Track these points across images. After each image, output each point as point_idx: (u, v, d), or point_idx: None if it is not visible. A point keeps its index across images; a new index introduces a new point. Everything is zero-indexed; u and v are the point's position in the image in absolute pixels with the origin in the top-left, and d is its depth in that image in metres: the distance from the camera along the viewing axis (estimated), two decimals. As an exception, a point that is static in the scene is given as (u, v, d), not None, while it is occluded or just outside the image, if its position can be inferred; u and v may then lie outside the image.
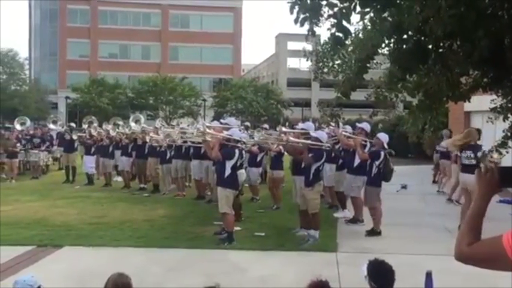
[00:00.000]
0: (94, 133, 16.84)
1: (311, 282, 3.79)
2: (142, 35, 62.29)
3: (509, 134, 5.83)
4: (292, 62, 66.83)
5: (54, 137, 21.19)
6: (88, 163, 16.86)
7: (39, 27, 66.70)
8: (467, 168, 9.14)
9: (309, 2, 3.81)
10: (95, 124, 17.88)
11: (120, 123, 17.68)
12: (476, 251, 1.87)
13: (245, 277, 7.05)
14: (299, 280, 6.47)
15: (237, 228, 9.23)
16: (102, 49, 62.87)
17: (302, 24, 3.86)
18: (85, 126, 18.07)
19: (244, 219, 10.41)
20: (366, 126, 10.93)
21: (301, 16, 3.80)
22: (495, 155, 7.67)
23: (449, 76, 4.93)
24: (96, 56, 62.34)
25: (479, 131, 10.22)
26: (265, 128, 15.76)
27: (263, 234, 9.34)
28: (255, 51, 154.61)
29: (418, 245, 8.63)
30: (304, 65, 54.46)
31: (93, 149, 16.82)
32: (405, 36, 4.79)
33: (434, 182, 16.09)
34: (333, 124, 13.46)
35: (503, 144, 5.92)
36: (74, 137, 17.59)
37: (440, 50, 4.84)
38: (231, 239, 8.64)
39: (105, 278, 3.81)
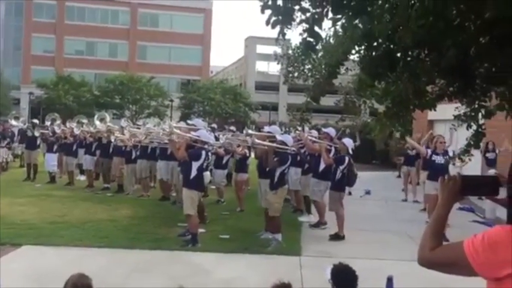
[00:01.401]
0: (58, 131, 16.54)
1: (274, 285, 3.81)
2: (110, 33, 61.44)
3: (472, 142, 5.98)
4: (261, 66, 67.08)
5: (16, 133, 20.71)
6: (50, 161, 16.53)
7: (3, 21, 65.07)
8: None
9: (281, 4, 3.82)
10: (59, 121, 17.56)
11: (85, 121, 17.44)
12: (438, 256, 1.93)
13: (209, 279, 7.02)
14: (263, 283, 6.48)
15: (201, 230, 9.19)
16: (68, 45, 61.70)
17: (273, 27, 3.87)
18: (48, 123, 17.72)
19: (209, 221, 10.38)
20: (331, 131, 11.07)
21: (273, 18, 3.81)
22: (458, 163, 7.85)
23: (417, 84, 5.03)
24: (62, 52, 61.15)
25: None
26: (232, 131, 15.79)
27: (228, 236, 9.32)
28: (224, 53, 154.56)
29: (380, 250, 8.76)
30: (272, 68, 54.88)
31: (55, 147, 16.52)
32: (375, 43, 4.85)
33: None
34: (299, 128, 13.57)
35: (465, 152, 6.08)
36: (36, 134, 17.22)
37: (409, 59, 4.93)
38: (195, 241, 8.60)
39: (66, 278, 3.73)
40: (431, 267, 1.98)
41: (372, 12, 4.30)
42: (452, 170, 9.84)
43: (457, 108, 6.08)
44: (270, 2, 3.77)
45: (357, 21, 4.69)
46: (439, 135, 10.73)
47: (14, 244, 8.33)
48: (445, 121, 14.64)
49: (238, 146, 12.11)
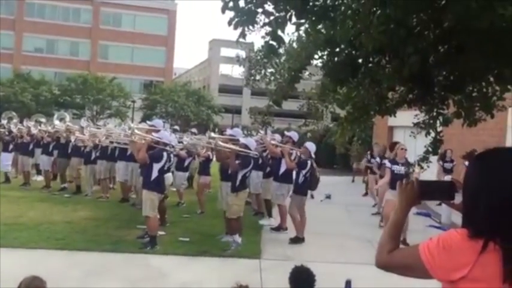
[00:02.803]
0: (14, 129, 16.12)
1: (232, 289, 3.80)
2: (72, 31, 60.22)
3: (430, 149, 6.11)
4: (225, 69, 67.02)
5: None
6: (4, 160, 16.09)
7: (-41, 15, 63.06)
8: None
9: (244, 5, 3.82)
10: (15, 120, 17.09)
11: (43, 120, 17.04)
12: (395, 259, 1.96)
13: (167, 283, 6.94)
14: (222, 286, 6.46)
15: (161, 232, 9.10)
16: (27, 42, 60.15)
17: (236, 27, 3.86)
18: (4, 121, 17.23)
19: (168, 223, 10.28)
20: (294, 135, 11.13)
21: (236, 19, 3.80)
22: (416, 169, 8.00)
23: (378, 90, 5.11)
24: (20, 49, 59.61)
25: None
26: (194, 133, 15.70)
27: (187, 239, 9.25)
28: (187, 55, 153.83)
29: (339, 254, 8.85)
30: (236, 71, 54.86)
31: (11, 146, 16.09)
32: (338, 49, 4.91)
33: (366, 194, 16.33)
34: (261, 132, 13.61)
35: (424, 158, 6.20)
36: (-9, 132, 16.72)
37: (370, 65, 5.00)
38: (154, 243, 8.49)
39: (19, 281, 3.62)
40: (389, 269, 2.01)
41: (335, 18, 4.34)
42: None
43: (416, 115, 6.20)
44: (231, 3, 3.76)
45: (320, 26, 4.73)
46: (400, 143, 10.83)
47: (-35, 246, 8.05)
48: (405, 127, 14.93)
49: (202, 148, 12.04)
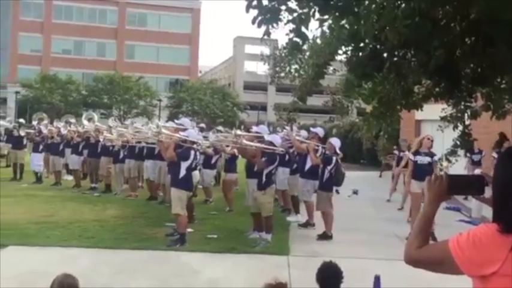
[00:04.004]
0: (44, 130, 16.43)
1: (268, 285, 3.79)
2: (98, 32, 61.06)
3: (458, 142, 6.02)
4: (249, 66, 67.03)
5: (2, 133, 20.50)
6: (35, 161, 16.42)
7: (-11, 19, 64.47)
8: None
9: (267, 4, 3.82)
10: (46, 121, 17.45)
11: (72, 120, 17.35)
12: (424, 255, 1.94)
13: (196, 279, 7.00)
14: (250, 282, 6.49)
15: (189, 230, 9.17)
16: (55, 45, 61.22)
17: (259, 26, 3.86)
18: (35, 122, 17.59)
19: (197, 221, 10.35)
20: (319, 131, 11.09)
21: (259, 18, 3.80)
22: (444, 163, 7.90)
23: (403, 85, 5.05)
24: (49, 51, 60.67)
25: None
26: (220, 131, 15.76)
27: (215, 236, 9.30)
28: (212, 53, 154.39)
29: (367, 250, 8.79)
30: (261, 68, 54.85)
31: (41, 147, 16.41)
32: (362, 44, 4.87)
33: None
34: (287, 128, 13.58)
35: (452, 152, 6.12)
36: (22, 133, 17.08)
37: (395, 59, 4.95)
38: (183, 240, 8.57)
39: (51, 278, 3.70)
40: (418, 265, 1.99)
41: (359, 13, 4.30)
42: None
43: (443, 109, 6.13)
44: (255, 2, 3.77)
45: (343, 21, 4.70)
46: (427, 134, 10.68)
47: (-1, 244, 8.26)
48: (432, 121, 14.73)
49: (228, 145, 12.09)
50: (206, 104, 51.38)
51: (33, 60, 58.50)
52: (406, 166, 13.56)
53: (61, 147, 15.94)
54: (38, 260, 7.53)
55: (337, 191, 12.80)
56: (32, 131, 17.18)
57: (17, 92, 48.67)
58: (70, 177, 16.38)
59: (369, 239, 9.68)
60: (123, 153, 13.87)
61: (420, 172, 9.25)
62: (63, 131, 15.94)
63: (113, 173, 14.42)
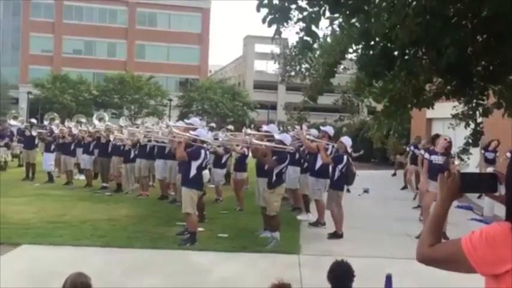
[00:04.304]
0: (56, 130, 16.54)
1: (273, 285, 3.81)
2: (109, 32, 61.36)
3: (470, 140, 5.99)
4: (259, 65, 67.06)
5: (14, 133, 20.69)
6: (47, 160, 16.53)
7: (1, 20, 64.94)
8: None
9: (278, 3, 3.82)
10: (57, 121, 17.57)
11: (83, 120, 17.45)
12: (436, 253, 1.94)
13: (207, 278, 7.01)
14: (261, 282, 6.48)
15: (200, 229, 9.19)
16: (66, 45, 61.61)
17: (270, 25, 3.87)
18: (46, 122, 17.72)
19: (207, 220, 10.38)
20: (330, 130, 11.07)
21: (269, 17, 3.81)
22: (456, 162, 7.85)
23: (414, 83, 5.04)
24: (60, 51, 61.07)
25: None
26: (230, 130, 15.79)
27: (226, 235, 9.32)
28: (222, 52, 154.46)
29: (378, 249, 8.76)
30: (271, 67, 54.82)
31: (53, 146, 16.52)
32: (372, 42, 4.86)
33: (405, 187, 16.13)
34: (296, 127, 13.57)
35: (464, 150, 6.08)
36: (34, 133, 17.21)
37: (406, 57, 4.94)
38: (193, 239, 8.60)
39: (64, 277, 3.73)
40: (430, 263, 1.99)
41: (369, 11, 4.30)
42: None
43: (454, 107, 6.10)
44: (266, 1, 3.77)
45: (354, 20, 4.70)
46: (444, 135, 10.55)
47: (12, 243, 8.32)
48: (444, 119, 14.64)
49: (237, 144, 12.10)
50: (216, 103, 51.46)
51: (44, 61, 58.93)
52: (416, 163, 13.51)
53: (72, 146, 16.03)
54: (51, 259, 7.59)
55: (348, 190, 12.77)
56: (43, 131, 17.31)
57: (28, 92, 49.05)
58: (82, 177, 16.47)
59: (380, 237, 9.65)
60: (134, 153, 13.93)
61: (435, 172, 9.15)
62: (74, 131, 16.03)
63: (123, 172, 14.48)
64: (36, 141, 17.45)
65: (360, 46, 5.16)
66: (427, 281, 5.99)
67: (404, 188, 15.95)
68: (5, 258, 7.59)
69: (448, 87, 5.34)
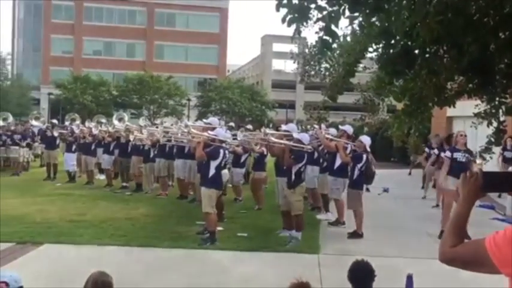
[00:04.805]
0: (77, 130, 16.72)
1: (292, 284, 3.80)
2: (127, 33, 61.83)
3: (492, 139, 5.91)
4: (277, 64, 66.99)
5: (36, 133, 20.96)
6: (69, 160, 16.70)
7: (22, 22, 65.93)
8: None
9: (297, 2, 3.81)
10: (78, 121, 17.76)
11: (103, 121, 17.59)
12: (459, 253, 1.91)
13: (227, 277, 7.03)
14: (281, 281, 6.47)
15: (219, 228, 9.22)
16: (86, 46, 62.27)
17: (289, 25, 3.86)
18: (67, 123, 17.92)
19: (226, 219, 10.40)
20: (349, 129, 11.02)
21: (289, 16, 3.80)
22: (478, 161, 7.75)
23: (436, 81, 4.99)
24: (80, 52, 61.73)
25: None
26: (249, 129, 15.80)
27: (246, 234, 9.33)
28: (240, 51, 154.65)
29: (399, 248, 8.70)
30: (289, 67, 54.74)
31: (74, 146, 16.69)
32: (393, 41, 4.82)
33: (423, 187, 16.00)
34: (315, 126, 13.54)
35: (486, 149, 6.00)
36: (55, 134, 17.42)
37: (427, 56, 4.89)
38: (213, 239, 8.62)
39: (85, 276, 3.77)
40: (453, 264, 1.96)
41: (389, 10, 4.27)
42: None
43: (477, 105, 6.02)
44: (285, 0, 3.77)
45: (374, 18, 4.67)
46: (459, 131, 10.48)
47: (34, 242, 8.45)
48: (465, 118, 14.48)
49: (256, 144, 12.11)
50: (234, 102, 51.53)
51: (65, 62, 59.60)
52: (433, 164, 13.39)
53: (93, 147, 16.17)
54: (73, 258, 7.69)
55: (367, 189, 12.70)
56: (64, 131, 17.50)
57: (49, 93, 49.65)
58: (102, 177, 16.62)
59: (400, 237, 9.59)
60: (153, 153, 14.02)
61: (457, 169, 9.05)
62: (95, 131, 16.18)
63: (143, 172, 14.57)
64: (58, 141, 17.64)
65: (380, 45, 5.13)
66: (449, 282, 5.93)
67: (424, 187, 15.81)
68: (27, 258, 7.71)
69: (470, 85, 5.28)
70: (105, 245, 8.48)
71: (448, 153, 9.83)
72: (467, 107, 6.34)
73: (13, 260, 7.51)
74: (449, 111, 16.75)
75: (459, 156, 9.48)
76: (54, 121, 20.48)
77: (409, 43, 4.75)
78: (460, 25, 4.05)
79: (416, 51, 4.92)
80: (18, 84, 56.05)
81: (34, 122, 19.52)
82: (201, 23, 63.21)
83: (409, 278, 4.81)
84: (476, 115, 6.02)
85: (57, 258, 7.76)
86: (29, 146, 19.84)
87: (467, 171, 2.04)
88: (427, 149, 15.19)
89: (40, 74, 61.68)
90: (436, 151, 13.14)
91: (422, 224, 10.68)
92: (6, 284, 3.71)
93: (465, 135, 9.80)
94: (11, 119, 20.20)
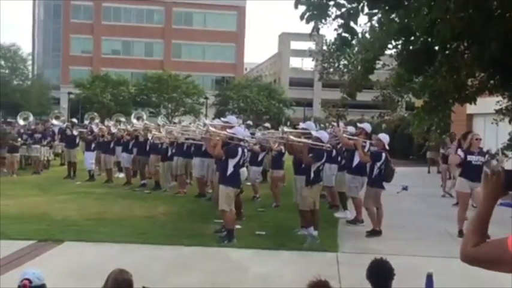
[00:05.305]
0: (95, 129, 16.87)
1: (311, 282, 3.79)
2: (146, 32, 62.26)
3: (515, 136, 5.83)
4: (295, 62, 66.88)
5: (56, 132, 21.20)
6: (88, 159, 16.87)
7: (42, 22, 66.77)
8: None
9: (316, 0, 3.80)
10: (97, 120, 17.92)
11: (122, 119, 17.73)
12: (481, 252, 1.89)
13: (245, 276, 7.04)
14: (299, 279, 6.46)
15: (237, 226, 9.21)
16: (105, 45, 62.89)
17: (308, 22, 3.85)
18: (87, 122, 18.09)
19: (245, 217, 10.40)
20: (367, 127, 10.94)
21: (308, 13, 3.79)
22: (493, 162, 7.64)
23: (456, 78, 4.93)
24: (99, 52, 62.34)
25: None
26: (267, 127, 15.79)
27: (264, 233, 9.32)
28: (257, 50, 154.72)
29: (418, 247, 8.62)
30: (306, 64, 54.61)
31: (93, 145, 16.84)
32: (412, 38, 4.78)
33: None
34: (333, 123, 13.48)
35: (509, 146, 5.91)
36: (75, 132, 17.60)
37: (447, 52, 4.84)
38: (231, 237, 8.63)
39: (105, 273, 3.80)
40: (474, 263, 1.94)
41: (409, 6, 4.23)
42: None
43: (498, 102, 5.94)
44: (303, -2, 3.76)
45: (393, 15, 4.63)
46: (473, 133, 10.32)
47: (55, 240, 8.53)
48: (485, 115, 14.29)
49: (274, 142, 12.09)
50: (252, 101, 51.56)
51: (84, 61, 60.27)
52: (445, 162, 13.23)
53: (112, 145, 16.30)
54: (93, 256, 7.75)
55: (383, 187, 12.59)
56: (84, 130, 17.68)
57: (69, 93, 50.19)
58: (121, 175, 16.75)
59: (419, 235, 9.50)
60: (171, 151, 14.08)
61: (471, 172, 8.94)
62: (114, 130, 16.30)
63: (161, 170, 14.65)
64: (77, 140, 17.83)
65: (400, 42, 5.08)
66: (469, 281, 5.86)
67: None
68: (48, 255, 7.80)
69: (491, 81, 5.21)
70: (124, 243, 8.54)
71: (461, 153, 9.68)
72: (488, 104, 6.26)
73: (34, 257, 7.61)
74: (469, 108, 16.54)
75: (473, 159, 9.35)
76: (74, 120, 20.69)
77: (429, 39, 4.70)
78: (481, 21, 3.99)
79: (437, 48, 4.87)
80: (38, 84, 56.81)
81: (54, 121, 19.78)
82: (219, 22, 63.38)
83: (429, 277, 4.76)
84: (498, 112, 5.93)
85: (77, 256, 7.83)
86: (49, 144, 20.07)
87: (490, 170, 2.01)
88: (443, 147, 15.04)
89: (60, 74, 62.44)
90: (450, 150, 12.95)
91: (441, 222, 10.56)
92: (30, 281, 3.76)
93: (480, 139, 9.61)
94: (31, 118, 20.48)
